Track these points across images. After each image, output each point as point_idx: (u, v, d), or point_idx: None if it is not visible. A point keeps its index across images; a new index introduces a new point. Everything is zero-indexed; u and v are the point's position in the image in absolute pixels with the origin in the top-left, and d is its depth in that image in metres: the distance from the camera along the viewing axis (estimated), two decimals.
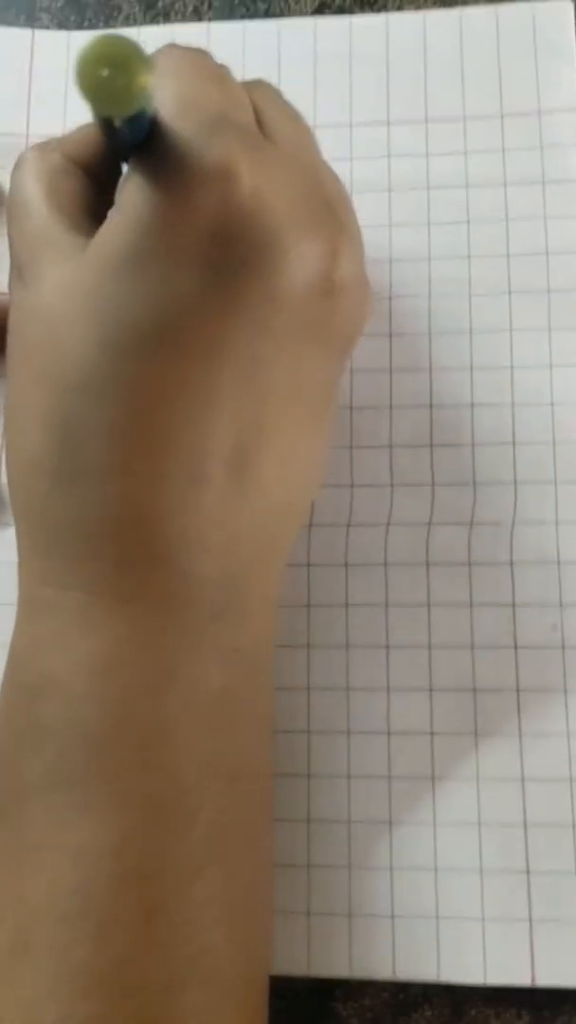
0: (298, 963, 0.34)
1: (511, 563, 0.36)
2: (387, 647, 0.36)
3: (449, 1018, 0.33)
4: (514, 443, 0.38)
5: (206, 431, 0.28)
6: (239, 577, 0.30)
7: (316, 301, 0.29)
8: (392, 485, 0.38)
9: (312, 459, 0.32)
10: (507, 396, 0.38)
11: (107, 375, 0.27)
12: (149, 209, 0.27)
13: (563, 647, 0.36)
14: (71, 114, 0.42)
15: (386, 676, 0.36)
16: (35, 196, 0.30)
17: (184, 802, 0.28)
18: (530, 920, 0.33)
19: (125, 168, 0.29)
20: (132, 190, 0.27)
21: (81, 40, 0.41)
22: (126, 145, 0.27)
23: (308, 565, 0.37)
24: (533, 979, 0.33)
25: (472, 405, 0.38)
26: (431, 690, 0.36)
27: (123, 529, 0.28)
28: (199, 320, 0.27)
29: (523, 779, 0.34)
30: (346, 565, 0.37)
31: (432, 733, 0.35)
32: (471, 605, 0.36)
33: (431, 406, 0.38)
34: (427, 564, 0.37)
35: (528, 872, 0.34)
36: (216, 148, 0.27)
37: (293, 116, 0.32)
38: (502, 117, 0.40)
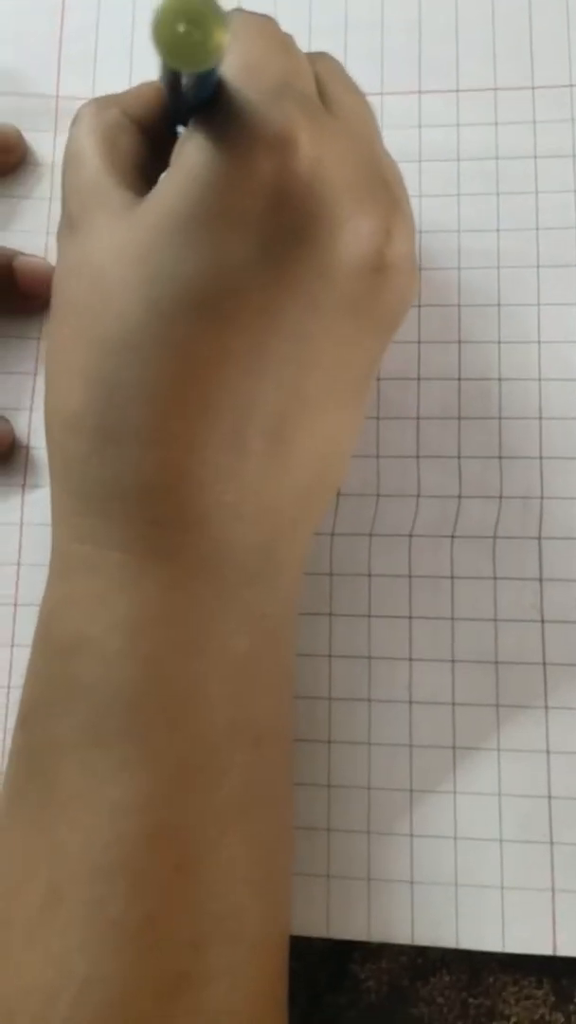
0: (317, 925, 0.34)
1: (539, 538, 0.36)
2: (410, 618, 0.36)
3: (467, 984, 0.34)
4: (540, 418, 0.38)
5: (248, 400, 0.28)
6: (271, 545, 0.30)
7: (366, 277, 0.29)
8: (419, 457, 0.38)
9: (348, 434, 0.32)
10: (534, 371, 0.38)
11: (153, 336, 0.28)
12: (208, 170, 0.27)
13: None
14: (101, 76, 0.42)
15: (408, 646, 0.36)
16: (90, 150, 0.30)
17: (212, 763, 0.29)
18: (552, 890, 0.33)
19: (182, 131, 0.29)
20: (191, 150, 0.27)
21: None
22: (189, 104, 0.27)
23: (332, 534, 0.37)
24: (555, 948, 0.33)
25: (500, 379, 0.38)
26: (453, 661, 0.36)
27: (160, 492, 0.28)
28: (249, 289, 0.28)
29: (548, 751, 0.35)
30: (371, 536, 0.37)
31: (454, 704, 0.35)
32: (495, 578, 0.36)
33: (459, 379, 0.38)
34: (452, 537, 0.37)
35: (551, 843, 0.34)
36: (278, 115, 0.27)
37: (355, 90, 0.32)
38: (533, 89, 0.40)
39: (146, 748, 0.28)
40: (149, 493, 0.28)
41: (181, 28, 0.22)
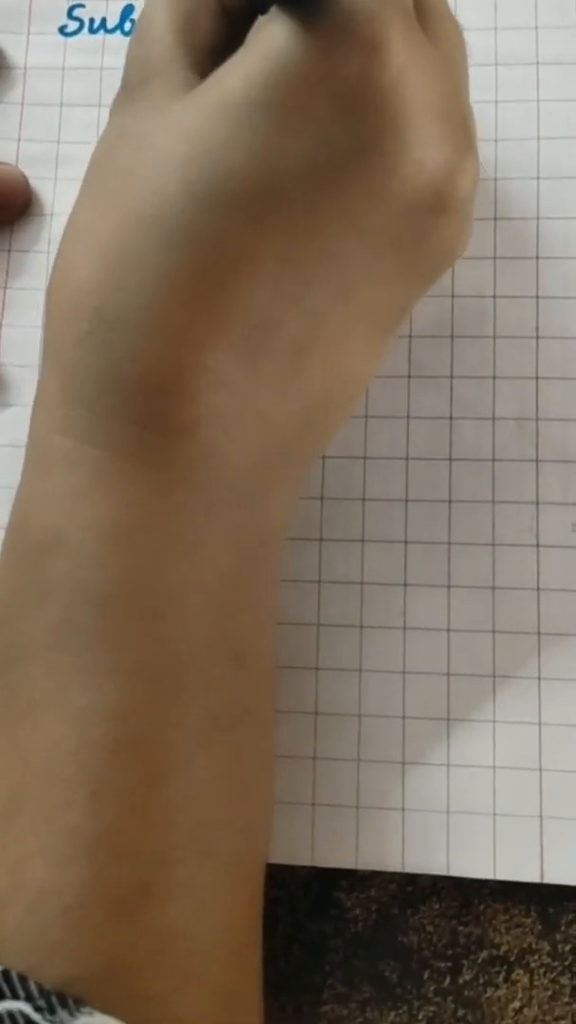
0: (301, 853, 0.34)
1: (536, 460, 0.35)
2: (405, 542, 0.35)
3: (457, 912, 0.33)
4: (537, 337, 0.37)
5: (266, 315, 0.27)
6: (264, 468, 0.29)
7: (419, 216, 0.27)
8: (409, 376, 0.36)
9: (360, 377, 0.31)
10: (531, 288, 0.37)
11: (183, 221, 0.26)
12: (284, 56, 0.25)
13: None
14: None
15: (403, 572, 0.35)
16: (163, 25, 0.29)
17: (187, 676, 0.27)
18: (541, 817, 0.33)
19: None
20: (269, 33, 0.26)
21: None
22: None
23: (324, 457, 0.36)
24: (542, 875, 0.33)
25: (495, 297, 0.37)
26: (449, 587, 0.35)
27: (153, 390, 0.27)
28: (296, 193, 0.26)
29: (539, 678, 0.34)
30: (364, 458, 0.36)
31: (449, 630, 0.35)
32: (493, 502, 0.35)
33: (452, 296, 0.37)
34: (450, 460, 0.36)
35: (540, 770, 0.33)
36: (376, 15, 0.25)
37: (454, 23, 0.30)
38: None
39: (118, 655, 0.27)
40: (141, 389, 0.27)
41: None
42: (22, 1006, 0.24)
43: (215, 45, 0.29)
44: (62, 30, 0.41)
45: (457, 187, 0.28)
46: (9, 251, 0.39)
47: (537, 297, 0.37)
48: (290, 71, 0.25)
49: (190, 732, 0.27)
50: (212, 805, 0.28)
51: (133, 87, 0.28)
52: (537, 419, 0.36)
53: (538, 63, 0.39)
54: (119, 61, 0.38)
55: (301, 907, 0.34)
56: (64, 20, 0.41)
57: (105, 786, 0.26)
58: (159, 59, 0.28)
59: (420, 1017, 0.32)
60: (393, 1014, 0.33)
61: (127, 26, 0.41)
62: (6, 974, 0.24)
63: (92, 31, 0.41)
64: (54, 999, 0.24)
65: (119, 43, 0.40)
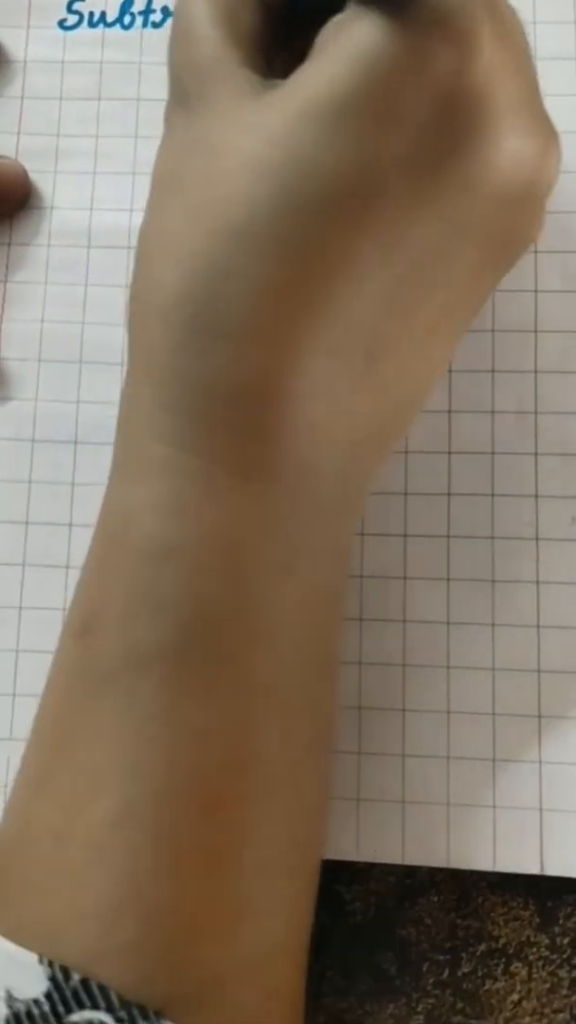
0: None
1: (536, 454, 0.35)
2: (404, 536, 0.35)
3: (455, 905, 0.33)
4: (536, 331, 0.36)
5: (359, 313, 0.26)
6: (352, 475, 0.29)
7: (509, 206, 0.27)
8: None
9: (435, 372, 0.30)
10: (530, 282, 0.37)
11: (276, 228, 0.25)
12: (376, 56, 0.25)
13: None
14: None
15: (403, 565, 0.35)
16: (207, 22, 0.28)
17: (292, 699, 0.27)
18: (540, 809, 0.33)
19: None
20: (357, 32, 0.25)
21: None
22: None
23: None
24: (542, 867, 0.32)
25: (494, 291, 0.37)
26: (448, 580, 0.35)
27: (252, 399, 0.26)
28: (392, 193, 0.25)
29: (539, 671, 0.34)
30: None
31: (448, 623, 0.35)
32: (492, 495, 0.35)
33: None
34: (449, 453, 0.36)
35: (540, 762, 0.33)
36: (467, 10, 0.25)
37: (512, 7, 0.29)
38: None
39: (233, 670, 0.26)
40: (240, 398, 0.26)
41: None
42: (103, 1016, 0.24)
43: (259, 37, 0.28)
44: (62, 24, 0.41)
45: (546, 175, 0.28)
46: (9, 244, 0.39)
47: (536, 291, 0.37)
48: (381, 71, 0.25)
49: (291, 751, 0.27)
50: (305, 823, 0.28)
51: (190, 93, 0.27)
52: (536, 412, 0.36)
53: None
54: (119, 55, 0.39)
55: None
56: (64, 14, 0.41)
57: (219, 803, 0.26)
58: (211, 58, 0.27)
59: (419, 1009, 0.32)
60: (392, 1006, 0.33)
61: (127, 20, 0.40)
62: (86, 983, 0.24)
63: (92, 25, 0.41)
64: (135, 1011, 0.24)
65: (119, 37, 0.40)
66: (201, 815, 0.26)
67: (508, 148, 0.26)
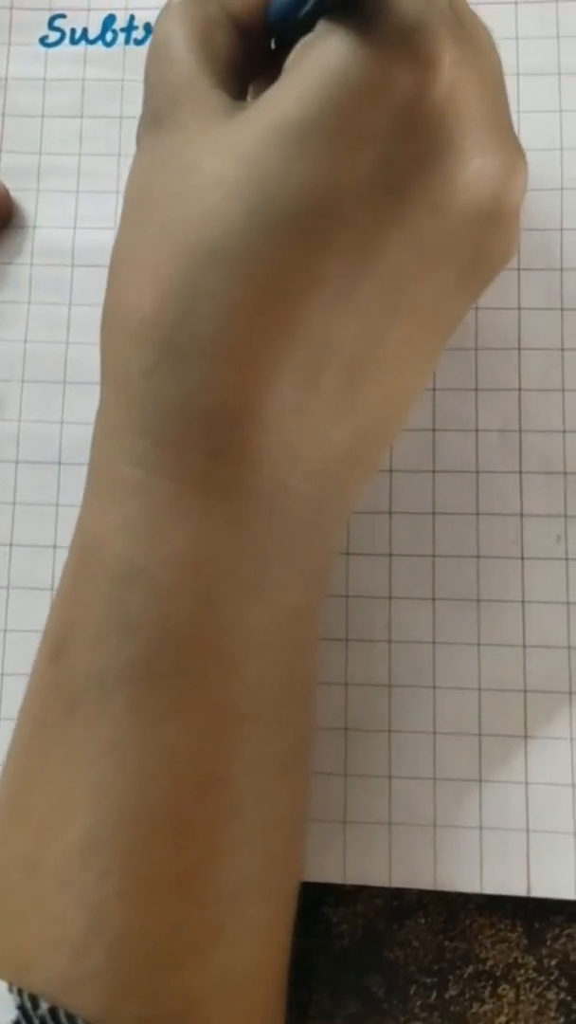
0: None
1: (520, 472, 0.35)
2: (390, 555, 0.35)
3: (443, 926, 0.33)
4: (519, 349, 0.36)
5: (331, 335, 0.26)
6: (326, 495, 0.28)
7: (478, 225, 0.27)
8: None
9: (413, 391, 0.30)
10: (514, 300, 0.37)
11: (247, 249, 0.25)
12: (339, 74, 0.25)
13: (566, 559, 0.35)
14: None
15: (388, 584, 0.35)
16: (181, 43, 0.28)
17: (267, 714, 0.27)
18: (527, 830, 0.33)
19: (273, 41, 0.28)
20: (324, 51, 0.25)
21: None
22: (310, 8, 0.26)
23: None
24: (528, 889, 0.32)
25: (476, 308, 0.37)
26: (433, 599, 0.35)
27: (223, 420, 0.26)
28: (358, 214, 0.26)
29: (525, 691, 0.34)
30: None
31: (434, 643, 0.35)
32: (477, 514, 0.35)
33: None
34: (433, 472, 0.36)
35: (527, 783, 0.33)
36: (428, 28, 0.25)
37: (482, 24, 0.29)
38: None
39: (202, 691, 0.26)
40: (211, 419, 0.26)
41: None
42: None
43: (234, 60, 0.29)
44: (43, 41, 0.41)
45: (513, 192, 0.28)
46: None
47: (519, 309, 0.37)
48: (346, 91, 0.25)
49: (264, 773, 0.27)
50: (280, 844, 0.28)
51: (162, 113, 0.28)
52: (520, 431, 0.36)
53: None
54: (101, 72, 0.39)
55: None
56: (45, 31, 0.41)
57: (189, 826, 0.26)
58: (184, 79, 0.27)
59: None
60: None
61: (108, 36, 0.40)
62: (53, 1012, 0.24)
63: (73, 42, 0.40)
64: None
65: (101, 54, 0.40)
66: (171, 839, 0.26)
67: (473, 168, 0.26)
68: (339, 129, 0.25)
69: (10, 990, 0.24)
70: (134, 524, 0.27)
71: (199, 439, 0.26)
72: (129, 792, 0.26)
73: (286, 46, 0.28)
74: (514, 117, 0.36)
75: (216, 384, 0.26)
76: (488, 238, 0.28)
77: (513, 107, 0.36)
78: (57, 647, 0.28)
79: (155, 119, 0.28)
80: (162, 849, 0.25)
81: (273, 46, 0.30)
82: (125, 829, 0.25)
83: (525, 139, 0.30)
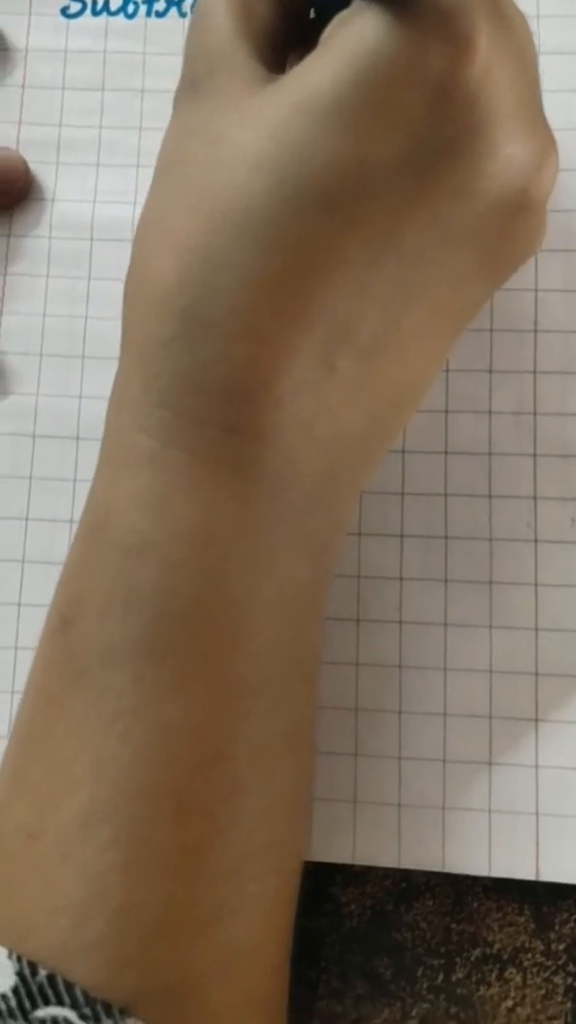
0: None
1: (534, 455, 0.35)
2: (401, 536, 0.35)
3: (450, 908, 0.33)
4: (535, 331, 0.36)
5: (347, 316, 0.26)
6: (336, 474, 0.28)
7: (504, 213, 0.27)
8: None
9: (428, 376, 0.30)
10: (530, 281, 0.37)
11: (273, 221, 0.25)
12: (373, 55, 0.25)
13: None
14: None
15: (399, 566, 0.35)
16: (222, 12, 0.28)
17: (270, 690, 0.27)
18: (536, 814, 0.33)
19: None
20: (355, 31, 0.25)
21: None
22: None
23: None
24: (537, 873, 0.32)
25: None
26: (446, 581, 0.35)
27: (238, 394, 0.26)
28: (385, 194, 0.25)
29: (536, 674, 0.34)
30: None
31: (445, 624, 0.35)
32: (490, 496, 0.35)
33: None
34: (446, 453, 0.35)
35: (537, 766, 0.33)
36: (464, 11, 0.25)
37: (520, 11, 0.29)
38: None
39: (207, 666, 0.26)
40: (227, 392, 0.26)
41: None
42: (67, 1013, 0.24)
43: (273, 33, 0.29)
44: (64, 11, 0.40)
45: (542, 183, 0.27)
46: (9, 236, 0.38)
47: (536, 290, 0.37)
48: (380, 69, 0.25)
49: (267, 749, 0.27)
50: (281, 822, 0.28)
51: (198, 79, 0.28)
52: (535, 413, 0.36)
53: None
54: (122, 44, 0.38)
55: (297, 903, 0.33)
56: (66, 1, 0.40)
57: (190, 801, 0.26)
58: (222, 49, 0.27)
59: (413, 1014, 0.33)
60: (387, 1011, 0.33)
61: (130, 8, 0.40)
62: (51, 979, 0.24)
63: (95, 13, 0.40)
64: (99, 1007, 0.24)
65: (122, 26, 0.40)
66: (172, 813, 0.26)
67: (503, 155, 0.26)
68: (372, 107, 0.25)
69: (9, 956, 0.25)
70: (145, 496, 0.27)
71: (215, 412, 0.26)
72: (132, 766, 0.26)
73: (324, 18, 0.28)
74: None
75: (234, 358, 0.26)
76: (513, 227, 0.28)
77: None
78: (64, 619, 0.28)
79: (192, 85, 0.28)
80: (162, 824, 0.26)
81: (312, 15, 0.30)
82: (126, 803, 0.26)
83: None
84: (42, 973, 0.24)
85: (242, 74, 0.27)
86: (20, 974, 0.24)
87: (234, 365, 0.26)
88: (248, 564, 0.27)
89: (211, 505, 0.27)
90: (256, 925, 0.27)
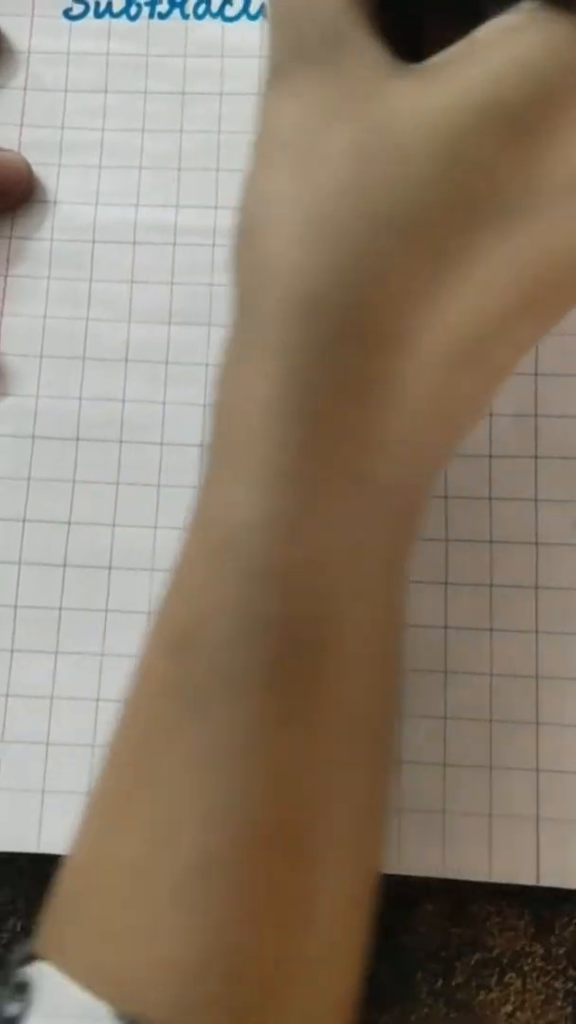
0: None
1: (535, 457, 0.35)
2: None
3: (450, 913, 0.33)
4: None
5: (469, 316, 0.25)
6: (423, 487, 0.27)
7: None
8: None
9: (503, 374, 0.29)
10: None
11: (431, 221, 0.24)
12: (548, 65, 0.23)
13: None
14: None
15: None
16: None
17: (363, 725, 0.26)
18: (537, 818, 0.33)
19: None
20: (534, 38, 0.24)
21: None
22: None
23: None
24: (538, 878, 0.32)
25: None
26: (446, 584, 0.35)
27: (373, 405, 0.25)
28: (549, 212, 0.24)
29: (537, 677, 0.34)
30: None
31: (446, 627, 0.34)
32: (490, 499, 0.35)
33: None
34: None
35: (538, 770, 0.33)
36: None
37: None
38: None
39: (322, 697, 0.25)
40: (362, 405, 0.25)
41: None
42: None
43: (374, 8, 0.26)
44: (67, 13, 0.40)
45: None
46: (11, 238, 0.38)
47: None
48: (552, 81, 0.24)
49: (374, 777, 0.26)
50: (365, 860, 0.26)
51: (310, 52, 0.25)
52: (536, 415, 0.35)
53: None
54: (125, 46, 0.38)
55: None
56: (69, 3, 0.40)
57: (307, 842, 0.24)
58: (338, 20, 0.25)
59: (412, 1019, 0.32)
60: (386, 1016, 0.32)
61: (133, 10, 0.40)
62: None
63: (98, 15, 0.40)
64: None
65: (125, 28, 0.40)
66: (282, 860, 0.24)
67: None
68: (541, 119, 0.24)
69: (118, 1019, 0.22)
70: (279, 517, 0.25)
71: (355, 423, 0.25)
72: (254, 804, 0.24)
73: (468, 13, 0.26)
74: None
75: (372, 365, 0.24)
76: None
77: None
78: (180, 643, 0.25)
79: (301, 56, 0.26)
80: (280, 869, 0.24)
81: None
82: (247, 845, 0.24)
83: None
84: None
85: (372, 56, 0.25)
86: None
87: (372, 374, 0.25)
88: (356, 585, 0.25)
89: (336, 525, 0.25)
90: (343, 973, 0.25)
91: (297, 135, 0.25)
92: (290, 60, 0.26)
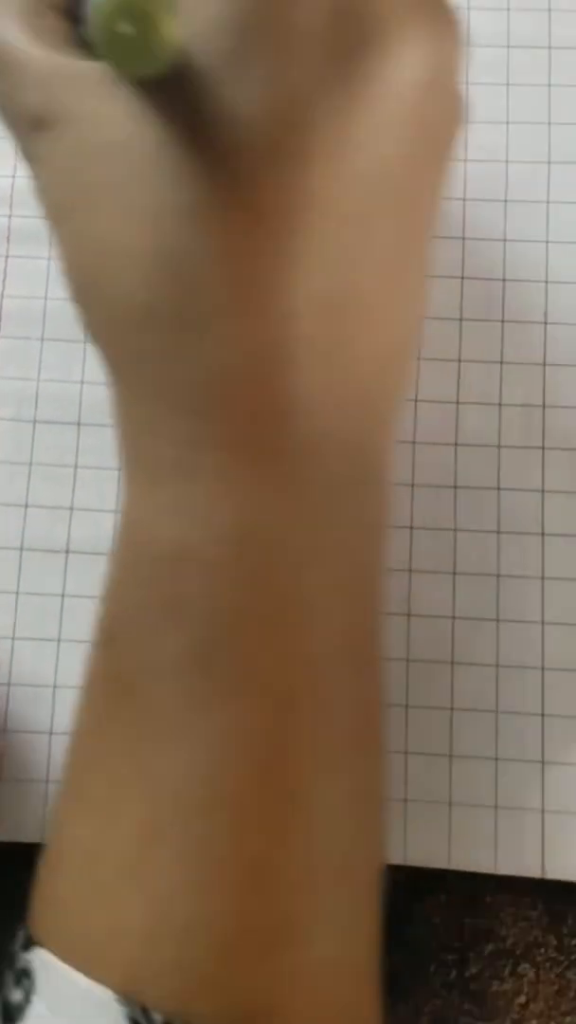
0: None
1: (543, 448, 0.35)
2: (411, 528, 0.35)
3: (464, 904, 0.33)
4: (545, 323, 0.36)
5: (333, 252, 0.25)
6: (366, 440, 0.27)
7: (431, 93, 0.26)
8: (420, 359, 0.36)
9: (418, 292, 0.28)
10: (541, 273, 0.36)
11: (212, 192, 0.24)
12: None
13: None
14: None
15: (408, 558, 0.35)
16: (18, 39, 0.26)
17: (323, 689, 0.26)
18: (543, 811, 0.33)
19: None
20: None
21: None
22: None
23: None
24: (543, 871, 0.32)
25: (504, 280, 0.36)
26: (454, 573, 0.34)
27: (254, 376, 0.25)
28: (321, 119, 0.24)
29: (543, 668, 0.34)
30: None
31: (453, 617, 0.34)
32: (498, 489, 0.35)
33: (462, 278, 0.36)
34: (455, 445, 0.35)
35: (543, 762, 0.33)
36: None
37: None
38: None
39: (256, 673, 0.25)
40: (243, 378, 0.25)
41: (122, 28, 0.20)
42: None
43: (68, 38, 0.27)
44: None
45: (447, 59, 0.27)
46: (10, 217, 0.38)
47: (547, 282, 0.36)
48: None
49: (328, 753, 0.26)
50: (350, 829, 0.26)
51: (45, 112, 0.26)
52: (544, 406, 0.35)
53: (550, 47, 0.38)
54: None
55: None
56: None
57: (249, 812, 0.25)
58: (51, 70, 0.26)
59: (426, 1010, 0.32)
60: (400, 1006, 0.32)
61: None
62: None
63: None
64: None
65: None
66: (230, 828, 0.24)
67: (416, 35, 0.25)
68: (268, 41, 0.24)
69: (119, 1001, 0.24)
70: (179, 504, 0.25)
71: (235, 402, 0.25)
72: (187, 781, 0.24)
73: None
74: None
75: (230, 341, 0.25)
76: (442, 107, 0.27)
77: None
78: (107, 635, 0.26)
79: (37, 125, 0.26)
80: (222, 838, 0.24)
81: None
82: (181, 820, 0.24)
83: None
84: (158, 1020, 0.23)
85: (93, 79, 0.25)
86: (132, 1019, 0.23)
87: (232, 348, 0.25)
88: (294, 554, 0.25)
89: (248, 498, 0.25)
90: (334, 939, 0.26)
91: (66, 191, 0.26)
92: (31, 138, 0.26)
